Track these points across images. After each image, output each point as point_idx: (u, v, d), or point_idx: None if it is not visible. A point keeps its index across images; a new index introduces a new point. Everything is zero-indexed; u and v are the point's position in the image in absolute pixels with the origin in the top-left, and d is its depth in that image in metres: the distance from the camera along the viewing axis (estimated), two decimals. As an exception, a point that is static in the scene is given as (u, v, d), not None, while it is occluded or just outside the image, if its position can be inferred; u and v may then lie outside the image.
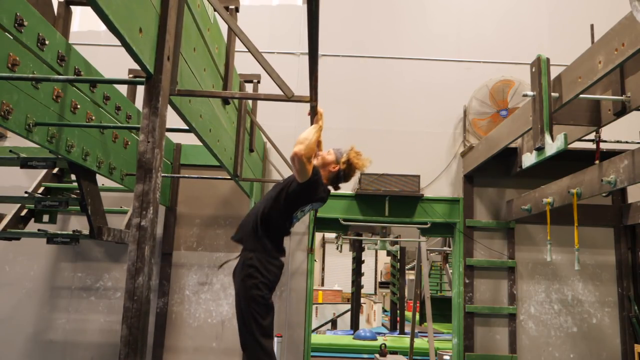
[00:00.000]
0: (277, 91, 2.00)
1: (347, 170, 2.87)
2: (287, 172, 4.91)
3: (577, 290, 5.35)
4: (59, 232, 3.88)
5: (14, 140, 4.94)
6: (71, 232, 3.54)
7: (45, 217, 3.95)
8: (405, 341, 8.76)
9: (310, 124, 2.58)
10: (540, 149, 3.26)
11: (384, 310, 14.25)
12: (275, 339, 4.91)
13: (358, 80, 5.78)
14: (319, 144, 3.02)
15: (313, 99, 1.99)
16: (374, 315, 12.34)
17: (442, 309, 11.60)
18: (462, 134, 5.63)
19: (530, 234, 5.43)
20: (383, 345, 7.63)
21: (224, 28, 2.74)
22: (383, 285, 16.30)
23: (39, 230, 3.67)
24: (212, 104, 2.80)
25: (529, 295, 5.33)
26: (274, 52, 5.60)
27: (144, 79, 1.78)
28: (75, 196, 3.83)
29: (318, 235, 13.08)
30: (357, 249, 11.62)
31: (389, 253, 12.23)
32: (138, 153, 1.63)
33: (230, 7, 2.77)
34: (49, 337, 5.12)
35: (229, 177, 3.69)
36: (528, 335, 5.27)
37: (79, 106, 2.76)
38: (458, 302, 5.37)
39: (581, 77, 3.01)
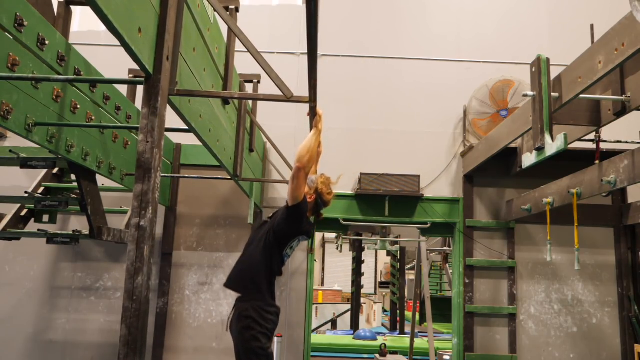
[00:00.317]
0: (277, 91, 2.00)
1: (320, 198, 2.88)
2: (287, 172, 4.91)
3: (577, 290, 5.35)
4: (59, 232, 3.88)
5: (14, 140, 4.94)
6: (71, 232, 3.54)
7: (45, 217, 3.95)
8: (405, 341, 8.77)
9: (310, 125, 2.58)
10: (540, 149, 3.26)
11: (384, 310, 14.25)
12: (275, 339, 4.91)
13: (358, 80, 5.78)
14: (318, 144, 3.03)
15: (312, 99, 1.99)
16: (374, 315, 12.34)
17: (442, 309, 11.60)
18: (462, 134, 5.63)
19: (530, 234, 5.43)
20: (383, 345, 7.63)
21: (223, 28, 2.74)
22: (383, 285, 16.30)
23: (39, 230, 3.67)
24: (212, 104, 2.80)
25: (529, 295, 5.33)
26: (273, 52, 5.61)
27: (143, 79, 1.78)
28: (75, 196, 3.83)
29: (318, 235, 13.08)
30: (357, 249, 11.62)
31: (389, 253, 12.23)
32: (137, 153, 1.63)
33: (230, 7, 2.77)
34: (49, 337, 5.13)
35: (229, 177, 3.69)
36: (528, 335, 5.26)
37: (79, 106, 2.76)
38: (458, 302, 5.37)
39: (581, 77, 3.01)
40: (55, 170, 4.09)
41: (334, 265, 16.84)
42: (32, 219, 3.92)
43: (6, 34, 2.11)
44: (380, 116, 5.72)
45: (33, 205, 3.72)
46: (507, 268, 5.35)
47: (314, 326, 10.12)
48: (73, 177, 3.63)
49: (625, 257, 5.32)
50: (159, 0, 1.81)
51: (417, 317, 8.18)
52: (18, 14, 2.13)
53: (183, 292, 5.26)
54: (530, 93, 3.34)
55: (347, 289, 13.18)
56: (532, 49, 5.00)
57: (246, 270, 2.75)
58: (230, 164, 3.39)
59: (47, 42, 2.36)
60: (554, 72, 3.31)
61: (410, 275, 13.61)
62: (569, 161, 4.55)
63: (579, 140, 4.07)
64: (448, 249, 8.62)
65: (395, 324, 11.61)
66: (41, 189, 3.89)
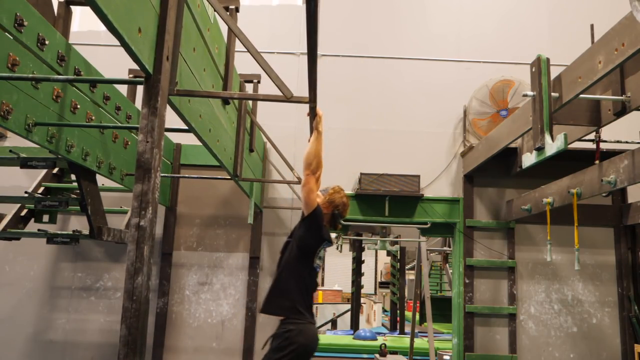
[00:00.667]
0: (277, 91, 2.00)
1: (333, 207, 2.86)
2: (287, 172, 4.91)
3: (577, 290, 5.35)
4: (59, 232, 3.87)
5: (14, 140, 4.94)
6: (71, 232, 3.54)
7: (45, 217, 3.95)
8: (405, 341, 8.76)
9: (310, 125, 2.59)
10: (540, 149, 3.26)
11: (384, 310, 14.24)
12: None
13: (358, 80, 5.78)
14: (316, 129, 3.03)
15: (312, 99, 1.98)
16: (374, 315, 12.34)
17: (442, 309, 11.59)
18: (462, 134, 5.63)
19: (530, 234, 5.43)
20: (383, 345, 7.63)
21: (223, 28, 2.74)
22: (383, 285, 16.30)
23: (39, 230, 3.67)
24: (212, 104, 2.80)
25: (529, 295, 5.33)
26: (273, 52, 5.61)
27: (143, 79, 1.78)
28: (75, 196, 3.83)
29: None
30: (357, 249, 11.61)
31: (389, 253, 12.22)
32: (137, 153, 1.63)
33: (230, 7, 2.76)
34: (49, 337, 5.12)
35: (229, 177, 3.69)
36: (528, 335, 5.26)
37: (79, 106, 2.76)
38: (458, 302, 5.37)
39: (581, 77, 3.01)
40: (55, 170, 4.09)
41: (334, 265, 16.83)
42: (32, 219, 3.92)
43: (6, 34, 2.11)
44: (380, 116, 5.72)
45: (33, 205, 3.71)
46: (507, 268, 5.35)
47: (314, 326, 10.09)
48: (73, 177, 3.63)
49: (625, 257, 5.31)
50: (158, 0, 1.81)
51: (417, 317, 8.17)
52: (18, 14, 2.13)
53: (183, 292, 5.25)
54: (530, 93, 3.34)
55: (347, 289, 13.17)
56: (532, 49, 5.00)
57: (281, 291, 2.67)
58: (230, 164, 3.39)
59: (47, 42, 2.36)
60: (554, 72, 3.31)
61: (410, 275, 13.61)
62: (569, 161, 4.55)
63: (579, 140, 4.07)
64: (448, 249, 8.62)
65: (395, 324, 11.61)
66: (41, 189, 3.89)
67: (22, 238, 4.02)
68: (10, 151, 3.29)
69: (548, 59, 3.28)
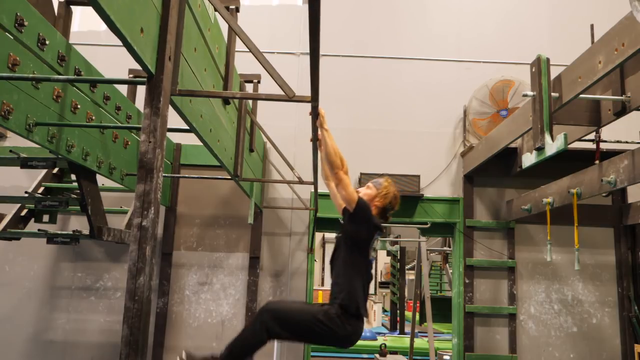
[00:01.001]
0: (277, 91, 2.00)
1: (387, 200, 2.90)
2: (287, 172, 4.91)
3: (577, 290, 5.35)
4: (59, 232, 3.87)
5: (14, 140, 4.93)
6: (71, 232, 3.53)
7: (45, 217, 3.95)
8: (405, 341, 8.77)
9: (312, 124, 2.59)
10: (540, 149, 3.26)
11: (384, 310, 14.25)
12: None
13: (358, 80, 5.78)
14: (319, 140, 3.05)
15: (314, 98, 1.98)
16: (374, 315, 12.34)
17: (442, 309, 11.60)
18: (462, 134, 5.63)
19: (530, 234, 5.43)
20: (383, 345, 7.63)
21: (224, 28, 2.74)
22: (383, 285, 16.30)
23: (39, 230, 3.66)
24: (213, 104, 2.80)
25: (529, 295, 5.33)
26: (274, 52, 5.60)
27: (145, 79, 1.78)
28: (75, 196, 3.82)
29: (318, 235, 13.08)
30: (357, 249, 11.59)
31: (389, 253, 12.23)
32: (139, 153, 1.63)
33: (231, 7, 2.76)
34: (49, 337, 5.12)
35: (229, 177, 3.69)
36: (528, 335, 5.27)
37: (79, 106, 2.76)
38: (458, 302, 5.37)
39: (581, 77, 3.02)
40: (55, 170, 4.08)
41: (333, 265, 16.79)
42: (32, 219, 3.92)
43: (6, 34, 2.11)
44: (381, 116, 5.72)
45: (33, 205, 3.71)
46: (507, 268, 5.35)
47: (313, 326, 10.09)
48: (73, 177, 3.63)
49: (625, 257, 5.32)
50: (160, 0, 1.81)
51: (417, 317, 8.18)
52: (18, 14, 2.13)
53: (183, 292, 5.25)
54: (530, 93, 3.34)
55: (347, 289, 13.14)
56: (532, 49, 5.00)
57: (341, 288, 2.65)
58: (230, 164, 3.39)
59: (47, 42, 2.36)
60: (554, 72, 3.31)
61: (410, 275, 13.61)
62: (569, 161, 4.55)
63: (579, 140, 4.07)
64: (448, 249, 8.63)
65: (395, 324, 11.62)
66: (41, 189, 3.89)
67: (22, 238, 4.02)
68: (11, 151, 3.29)
69: (548, 59, 3.28)
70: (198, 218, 5.40)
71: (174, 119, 2.36)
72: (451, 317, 5.71)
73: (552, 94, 3.25)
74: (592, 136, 4.12)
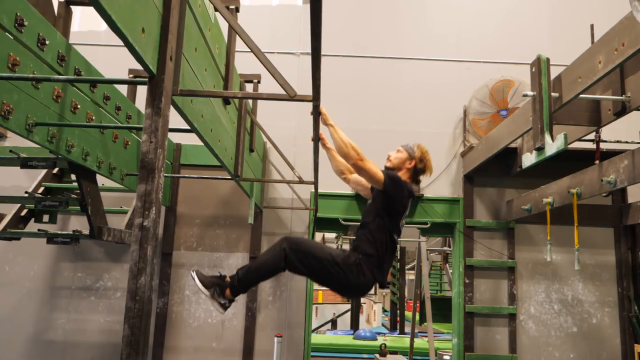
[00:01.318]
0: (277, 91, 2.00)
1: (421, 165, 2.93)
2: (287, 172, 4.91)
3: (577, 290, 5.35)
4: (59, 232, 3.87)
5: (14, 140, 4.93)
6: (71, 232, 3.53)
7: (45, 217, 3.94)
8: (405, 341, 8.77)
9: (313, 124, 2.59)
10: (540, 149, 3.26)
11: (384, 310, 14.26)
12: (275, 339, 4.91)
13: (358, 80, 5.78)
14: (321, 138, 3.05)
15: (316, 98, 1.98)
16: (374, 315, 12.35)
17: (442, 309, 11.62)
18: (462, 134, 5.63)
19: (530, 234, 5.43)
20: (383, 345, 7.64)
21: (224, 28, 2.74)
22: (383, 285, 16.27)
23: (39, 230, 3.66)
24: (213, 104, 2.80)
25: (529, 295, 5.34)
26: (274, 52, 5.60)
27: (146, 79, 1.78)
28: (75, 196, 3.82)
29: (318, 235, 13.07)
30: (357, 249, 11.61)
31: (388, 253, 12.19)
32: (141, 153, 1.63)
33: (231, 7, 2.76)
34: (49, 337, 5.12)
35: (229, 177, 3.69)
36: (528, 335, 5.27)
37: (79, 106, 2.76)
38: (458, 302, 5.37)
39: (581, 77, 3.02)
40: (55, 170, 4.08)
41: (333, 265, 16.80)
42: (32, 219, 3.92)
43: (6, 34, 2.11)
44: (380, 116, 5.71)
45: (33, 205, 3.71)
46: (507, 268, 5.35)
47: (314, 326, 10.12)
48: (73, 177, 3.63)
49: (625, 257, 5.32)
50: (161, 0, 1.81)
51: (417, 317, 8.18)
52: (18, 14, 2.13)
53: (183, 292, 5.25)
54: (530, 93, 3.34)
55: (347, 289, 13.15)
56: (532, 49, 5.01)
57: (367, 239, 2.71)
58: (231, 164, 3.39)
59: (47, 42, 2.36)
60: (554, 72, 3.31)
61: (410, 275, 13.62)
62: (569, 161, 4.55)
63: (579, 140, 4.07)
64: (448, 249, 8.63)
65: (395, 324, 11.63)
66: (41, 189, 3.89)
67: (22, 238, 4.02)
68: (11, 151, 3.29)
69: (548, 59, 3.28)
70: (198, 218, 5.40)
71: (174, 119, 2.36)
72: (451, 317, 5.71)
73: (552, 94, 3.25)
74: (592, 136, 4.12)
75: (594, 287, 5.35)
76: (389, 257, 2.76)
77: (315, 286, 13.77)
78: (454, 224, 5.50)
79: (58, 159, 3.12)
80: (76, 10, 5.46)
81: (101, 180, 3.65)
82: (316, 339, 8.77)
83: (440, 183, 5.55)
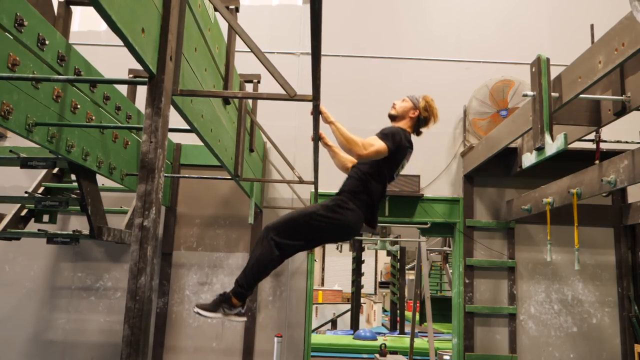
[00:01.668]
0: (277, 91, 2.00)
1: (425, 115, 2.98)
2: (287, 172, 4.91)
3: (577, 290, 5.35)
4: (59, 232, 3.87)
5: (14, 140, 4.93)
6: (71, 232, 3.53)
7: (45, 217, 3.94)
8: (405, 341, 8.77)
9: (313, 124, 2.60)
10: (540, 149, 3.26)
11: (384, 310, 14.26)
12: (275, 339, 4.91)
13: (358, 80, 5.78)
14: (321, 137, 3.05)
15: (316, 97, 1.98)
16: (374, 315, 12.35)
17: (442, 309, 11.62)
18: (462, 134, 5.63)
19: (530, 234, 5.43)
20: (383, 345, 7.64)
21: (223, 28, 2.74)
22: (383, 285, 16.32)
23: (39, 230, 3.66)
24: (213, 104, 2.80)
25: (529, 295, 5.34)
26: (273, 52, 5.60)
27: (146, 79, 1.78)
28: (75, 196, 3.82)
29: (318, 235, 13.04)
30: (357, 249, 11.62)
31: (389, 253, 12.23)
32: (141, 153, 1.63)
33: (230, 7, 2.76)
34: (49, 337, 5.12)
35: (229, 177, 3.69)
36: (528, 335, 5.27)
37: (79, 106, 2.76)
38: (458, 302, 5.37)
39: (581, 77, 3.02)
40: (55, 170, 4.08)
41: (334, 265, 16.83)
42: (32, 219, 3.92)
43: (6, 34, 2.11)
44: (380, 116, 5.66)
45: (33, 205, 3.71)
46: (507, 268, 5.35)
47: (314, 326, 10.12)
48: (73, 177, 3.63)
49: (625, 257, 5.32)
50: (161, 0, 1.81)
51: (417, 317, 8.18)
52: (18, 14, 2.13)
53: (183, 292, 5.25)
54: (530, 93, 3.34)
55: (347, 289, 13.18)
56: (532, 49, 5.01)
57: (355, 180, 2.77)
58: (231, 164, 3.39)
59: (47, 42, 2.36)
60: (554, 72, 3.31)
61: (410, 275, 13.62)
62: (569, 161, 4.55)
63: (579, 140, 4.07)
64: (448, 249, 8.63)
65: (395, 324, 11.62)
66: (41, 189, 3.89)
67: (22, 238, 4.02)
68: (11, 151, 3.29)
69: (548, 59, 3.28)
70: (198, 218, 5.40)
71: (174, 119, 2.36)
72: (451, 317, 5.71)
73: (552, 94, 3.25)
74: (592, 136, 4.12)
75: (594, 287, 5.35)
76: (378, 199, 2.80)
77: (315, 286, 13.76)
78: (454, 224, 5.49)
79: (58, 159, 3.12)
80: (76, 10, 5.46)
81: (101, 180, 3.65)
82: (316, 339, 8.77)
83: (440, 183, 5.55)
